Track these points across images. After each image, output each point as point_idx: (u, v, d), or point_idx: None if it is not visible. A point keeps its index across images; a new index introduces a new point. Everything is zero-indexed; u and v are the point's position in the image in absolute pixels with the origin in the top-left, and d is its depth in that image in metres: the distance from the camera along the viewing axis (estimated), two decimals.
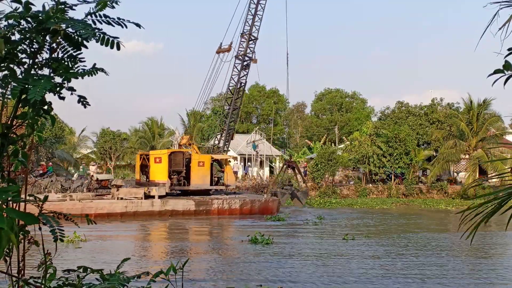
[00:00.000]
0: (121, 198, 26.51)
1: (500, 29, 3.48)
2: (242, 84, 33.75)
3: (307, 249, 17.64)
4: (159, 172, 29.65)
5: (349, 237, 19.70)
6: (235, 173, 48.92)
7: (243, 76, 33.36)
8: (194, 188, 29.08)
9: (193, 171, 29.34)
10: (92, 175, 33.84)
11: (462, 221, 3.19)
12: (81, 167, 47.22)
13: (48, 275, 2.94)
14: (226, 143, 33.99)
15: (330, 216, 29.32)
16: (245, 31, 33.24)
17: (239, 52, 33.33)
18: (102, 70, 2.36)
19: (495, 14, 3.50)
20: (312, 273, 13.41)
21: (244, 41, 33.17)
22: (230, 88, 33.68)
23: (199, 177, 29.38)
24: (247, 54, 33.22)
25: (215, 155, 32.13)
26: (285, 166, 35.79)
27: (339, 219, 27.94)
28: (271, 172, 49.68)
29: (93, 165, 40.23)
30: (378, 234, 21.87)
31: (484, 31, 3.49)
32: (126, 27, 2.29)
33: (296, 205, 34.08)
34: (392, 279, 12.73)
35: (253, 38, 33.28)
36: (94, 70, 2.33)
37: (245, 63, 33.19)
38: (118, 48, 2.22)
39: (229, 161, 32.29)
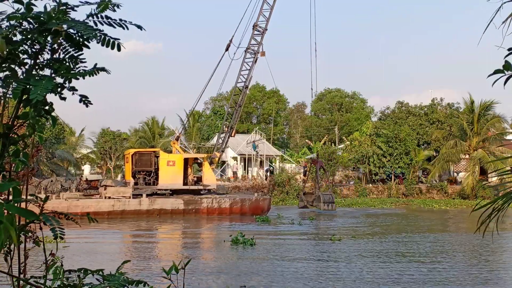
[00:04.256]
0: (109, 197, 26.36)
1: (503, 23, 3.47)
2: (250, 78, 33.03)
3: (290, 250, 17.44)
4: (127, 171, 29.85)
5: (336, 238, 19.39)
6: (235, 173, 48.93)
7: (249, 70, 32.42)
8: (163, 188, 28.74)
9: (162, 170, 29.13)
10: (82, 176, 33.78)
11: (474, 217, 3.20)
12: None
13: (52, 275, 2.95)
14: (224, 142, 33.61)
15: (325, 216, 29.04)
16: (259, 23, 32.13)
17: (250, 45, 32.38)
18: (103, 69, 2.37)
19: (498, 9, 3.50)
20: (292, 273, 13.30)
21: (258, 34, 32.16)
22: (239, 85, 32.86)
23: (169, 177, 28.98)
24: (252, 47, 32.17)
25: (188, 154, 31.89)
26: (314, 168, 32.72)
27: (333, 220, 27.60)
28: (271, 172, 49.65)
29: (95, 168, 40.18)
30: (367, 235, 21.53)
31: (487, 26, 3.48)
32: (128, 28, 2.30)
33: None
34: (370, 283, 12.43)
35: (265, 29, 32.27)
36: (95, 70, 2.34)
37: (256, 56, 32.24)
38: (119, 49, 2.23)
39: (211, 160, 31.59)
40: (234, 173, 49.04)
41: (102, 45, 2.19)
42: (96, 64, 2.35)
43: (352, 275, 13.27)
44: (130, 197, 26.63)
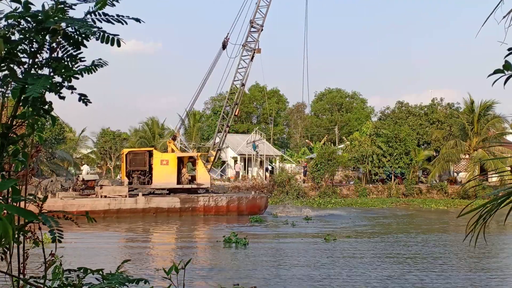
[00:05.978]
0: (105, 196, 26.26)
1: (504, 17, 3.46)
2: (247, 76, 32.98)
3: (284, 250, 17.34)
4: (122, 171, 30.06)
5: (330, 238, 19.19)
6: (237, 173, 48.84)
7: (247, 67, 32.42)
8: (157, 187, 28.63)
9: (155, 169, 29.03)
10: (78, 176, 33.70)
11: (464, 221, 3.17)
12: None
13: (51, 275, 2.94)
14: (221, 142, 33.58)
15: (323, 216, 28.90)
16: (256, 19, 32.06)
17: (247, 42, 32.28)
18: (100, 64, 2.36)
19: (500, 1, 3.47)
20: (284, 273, 13.26)
21: (254, 30, 32.10)
22: (235, 83, 32.76)
23: (163, 176, 28.83)
24: (249, 44, 32.16)
25: (182, 153, 31.91)
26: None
27: (332, 220, 27.42)
28: (271, 172, 49.67)
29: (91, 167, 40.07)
30: (363, 235, 21.35)
31: (487, 19, 3.46)
32: (126, 23, 2.29)
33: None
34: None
35: (262, 26, 32.28)
36: (93, 67, 2.33)
37: (253, 53, 32.20)
38: (119, 45, 2.22)
39: (206, 158, 31.65)
40: (237, 173, 48.87)
41: (102, 41, 2.19)
42: (94, 61, 2.35)
43: (344, 275, 13.23)
44: (126, 196, 26.54)
